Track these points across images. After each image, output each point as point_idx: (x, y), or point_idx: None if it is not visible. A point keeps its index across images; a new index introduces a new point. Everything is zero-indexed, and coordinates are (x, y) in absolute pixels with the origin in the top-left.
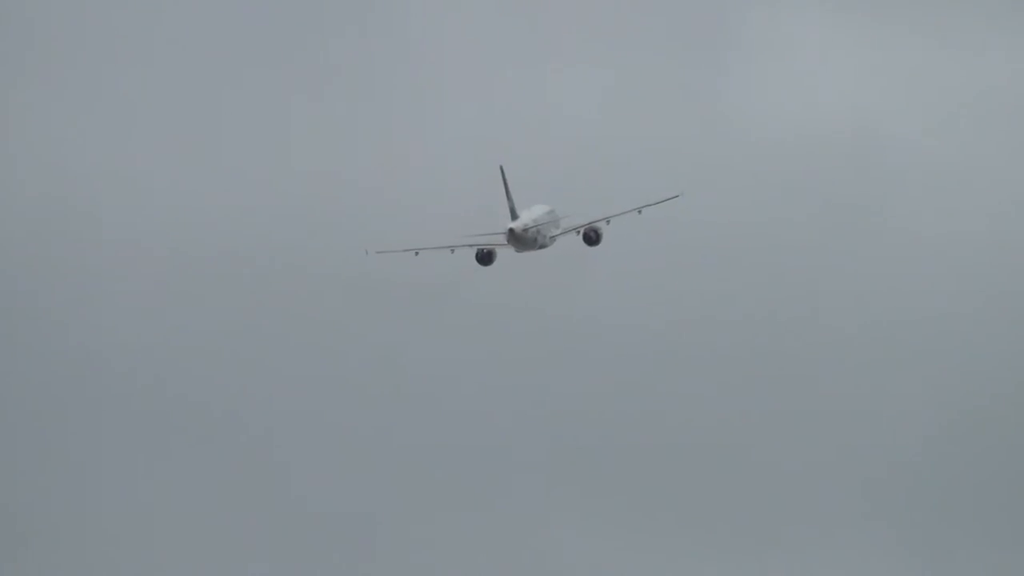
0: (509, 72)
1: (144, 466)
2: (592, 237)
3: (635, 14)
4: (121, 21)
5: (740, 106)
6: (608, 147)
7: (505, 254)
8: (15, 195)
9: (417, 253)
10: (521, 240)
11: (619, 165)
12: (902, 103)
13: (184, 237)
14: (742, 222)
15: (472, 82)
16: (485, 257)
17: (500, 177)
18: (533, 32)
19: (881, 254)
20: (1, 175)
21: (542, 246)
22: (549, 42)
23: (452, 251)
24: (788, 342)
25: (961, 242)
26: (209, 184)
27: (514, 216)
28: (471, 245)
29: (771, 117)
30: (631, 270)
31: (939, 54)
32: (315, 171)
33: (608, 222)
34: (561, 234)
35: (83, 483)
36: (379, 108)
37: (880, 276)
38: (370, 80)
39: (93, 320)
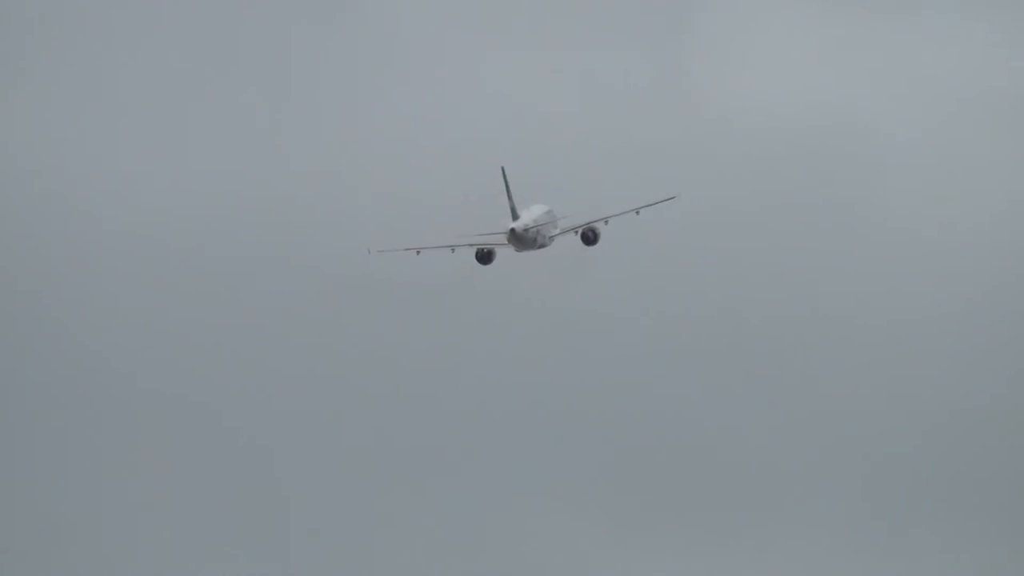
0: (509, 72)
1: (140, 466)
2: (590, 237)
3: (637, 14)
4: (120, 20)
5: (741, 106)
6: (606, 147)
7: (505, 254)
8: (13, 196)
9: (418, 252)
10: (522, 240)
11: (617, 165)
12: (899, 100)
13: (184, 237)
14: (740, 222)
15: (472, 82)
16: (485, 257)
17: (501, 177)
18: (533, 32)
19: (878, 252)
20: None
21: (541, 246)
22: (549, 42)
23: (452, 251)
24: (785, 341)
25: (957, 240)
26: (209, 184)
27: (515, 216)
28: (471, 245)
29: (771, 117)
30: (629, 269)
31: (936, 50)
32: (315, 171)
33: (606, 222)
34: (560, 234)
35: (73, 482)
36: (379, 107)
37: (877, 275)
38: (370, 79)
39: (94, 320)
